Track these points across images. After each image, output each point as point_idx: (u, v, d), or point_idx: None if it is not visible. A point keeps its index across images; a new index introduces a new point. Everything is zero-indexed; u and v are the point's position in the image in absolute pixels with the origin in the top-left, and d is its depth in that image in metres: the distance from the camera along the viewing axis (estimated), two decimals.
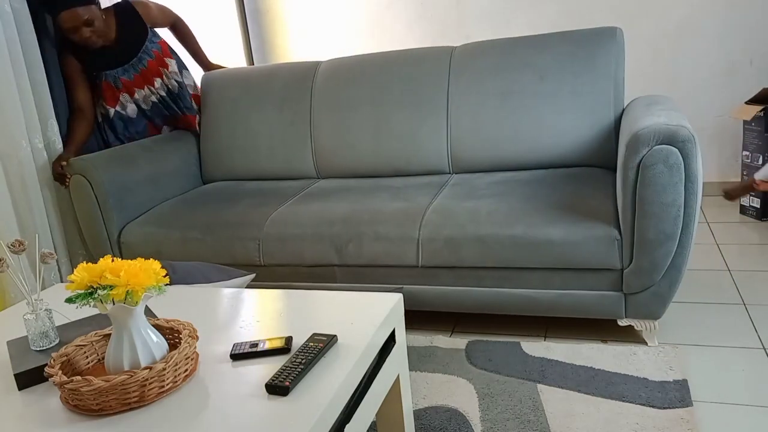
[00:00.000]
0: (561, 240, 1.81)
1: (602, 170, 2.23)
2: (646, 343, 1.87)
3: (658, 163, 1.65)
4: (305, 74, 2.69)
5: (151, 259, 1.09)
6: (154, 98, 2.63)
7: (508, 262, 1.88)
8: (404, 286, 2.04)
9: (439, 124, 2.45)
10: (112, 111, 2.56)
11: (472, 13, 3.37)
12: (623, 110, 2.26)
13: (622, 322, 1.87)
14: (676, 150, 1.64)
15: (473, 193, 2.13)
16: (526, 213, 1.90)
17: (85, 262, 1.06)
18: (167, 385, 1.04)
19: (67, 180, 2.26)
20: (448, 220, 1.96)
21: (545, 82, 2.31)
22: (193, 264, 1.86)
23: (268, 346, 1.15)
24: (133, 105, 2.60)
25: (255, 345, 1.16)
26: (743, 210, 2.95)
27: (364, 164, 2.56)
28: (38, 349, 1.22)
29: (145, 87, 2.60)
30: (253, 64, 3.59)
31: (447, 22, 3.41)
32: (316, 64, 2.71)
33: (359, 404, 1.12)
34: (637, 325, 1.85)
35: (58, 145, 2.35)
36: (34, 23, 2.24)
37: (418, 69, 2.51)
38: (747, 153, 2.89)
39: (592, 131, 2.26)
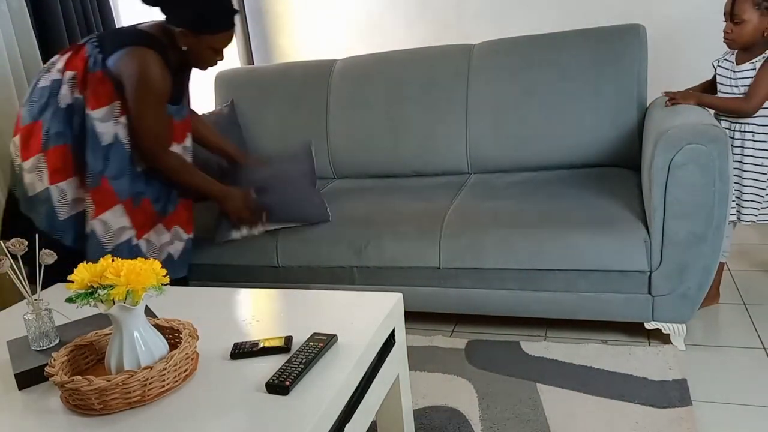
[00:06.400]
0: (588, 241, 1.78)
1: (626, 170, 2.20)
2: (648, 343, 1.87)
3: (689, 162, 1.62)
4: (321, 73, 2.64)
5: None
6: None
7: (533, 264, 1.85)
8: (425, 288, 2.00)
9: (458, 123, 2.41)
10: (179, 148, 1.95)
11: (472, 13, 3.36)
12: (646, 110, 2.21)
13: (650, 325, 1.84)
14: (708, 150, 1.60)
15: (494, 193, 2.10)
16: (551, 214, 1.87)
17: (85, 261, 1.06)
18: (167, 384, 1.04)
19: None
20: (471, 221, 1.93)
21: (567, 80, 2.27)
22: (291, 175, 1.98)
23: (267, 345, 1.15)
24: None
25: (255, 345, 1.16)
26: None
27: (380, 164, 2.53)
28: (38, 349, 1.22)
29: (184, 140, 1.98)
30: (253, 64, 3.58)
31: (447, 22, 3.40)
32: (332, 63, 2.67)
33: (359, 404, 1.12)
34: (665, 328, 1.82)
35: None
36: (34, 23, 2.24)
37: (437, 67, 2.46)
38: None
39: (615, 131, 2.22)
